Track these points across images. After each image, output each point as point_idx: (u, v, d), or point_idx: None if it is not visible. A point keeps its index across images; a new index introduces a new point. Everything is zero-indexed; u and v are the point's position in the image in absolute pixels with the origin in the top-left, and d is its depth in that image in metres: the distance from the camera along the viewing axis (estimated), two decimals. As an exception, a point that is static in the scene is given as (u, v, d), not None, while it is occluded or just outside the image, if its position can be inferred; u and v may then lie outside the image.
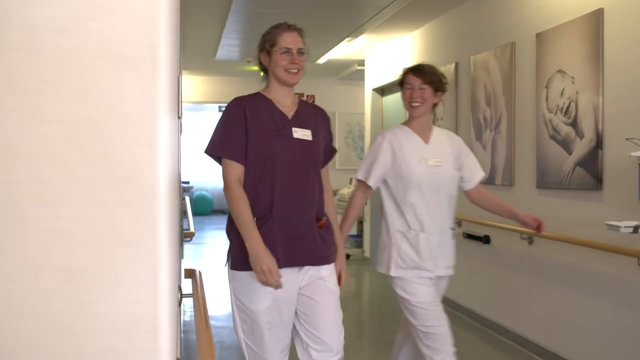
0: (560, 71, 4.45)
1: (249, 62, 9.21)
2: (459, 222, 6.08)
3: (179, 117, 2.71)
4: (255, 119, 2.69)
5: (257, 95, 2.83)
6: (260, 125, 2.69)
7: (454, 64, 6.20)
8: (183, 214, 6.02)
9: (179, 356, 1.73)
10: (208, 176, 16.87)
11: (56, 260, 0.56)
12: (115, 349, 0.58)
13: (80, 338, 0.58)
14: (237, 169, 2.67)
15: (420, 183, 3.25)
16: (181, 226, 4.59)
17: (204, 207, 16.21)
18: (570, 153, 4.34)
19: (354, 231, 9.57)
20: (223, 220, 12.92)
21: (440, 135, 3.49)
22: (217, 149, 2.73)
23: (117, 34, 0.55)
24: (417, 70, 3.44)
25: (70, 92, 0.57)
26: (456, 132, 6.17)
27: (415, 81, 3.37)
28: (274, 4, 6.20)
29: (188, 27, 7.24)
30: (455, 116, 6.19)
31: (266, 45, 2.77)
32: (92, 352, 0.58)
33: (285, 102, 2.79)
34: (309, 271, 2.71)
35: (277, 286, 2.55)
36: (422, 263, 3.28)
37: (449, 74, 6.33)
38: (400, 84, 3.49)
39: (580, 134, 4.23)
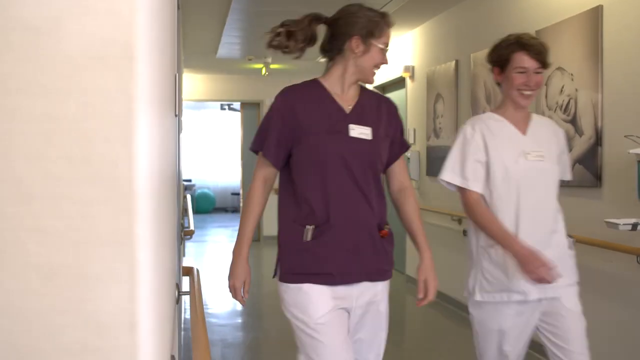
0: (559, 68, 4.44)
1: (250, 60, 9.21)
2: (459, 220, 6.09)
3: (176, 115, 2.72)
4: (306, 114, 2.38)
5: (312, 84, 2.49)
6: (312, 123, 2.36)
7: (454, 62, 6.20)
8: (184, 212, 6.03)
9: (173, 353, 1.73)
10: (210, 174, 16.90)
11: (33, 258, 0.56)
12: (94, 347, 0.58)
13: (57, 335, 0.58)
14: (265, 169, 2.43)
15: (519, 182, 2.70)
16: (181, 224, 4.61)
17: (206, 205, 16.23)
18: (569, 150, 4.32)
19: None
20: (225, 219, 13.05)
21: (541, 124, 2.85)
22: (253, 144, 2.48)
23: (94, 33, 0.55)
24: (532, 49, 2.66)
25: (47, 90, 0.57)
26: (456, 129, 6.17)
27: (531, 64, 2.64)
28: (273, 2, 6.20)
29: (188, 26, 7.25)
30: (456, 114, 6.18)
31: (374, 32, 2.38)
32: (70, 349, 0.58)
33: (346, 93, 2.44)
34: (364, 286, 2.42)
35: (241, 303, 2.49)
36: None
37: (449, 71, 6.32)
38: (496, 60, 2.76)
39: (579, 131, 4.23)
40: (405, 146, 2.63)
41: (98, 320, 0.59)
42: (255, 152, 2.48)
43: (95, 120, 0.58)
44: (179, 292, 2.49)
